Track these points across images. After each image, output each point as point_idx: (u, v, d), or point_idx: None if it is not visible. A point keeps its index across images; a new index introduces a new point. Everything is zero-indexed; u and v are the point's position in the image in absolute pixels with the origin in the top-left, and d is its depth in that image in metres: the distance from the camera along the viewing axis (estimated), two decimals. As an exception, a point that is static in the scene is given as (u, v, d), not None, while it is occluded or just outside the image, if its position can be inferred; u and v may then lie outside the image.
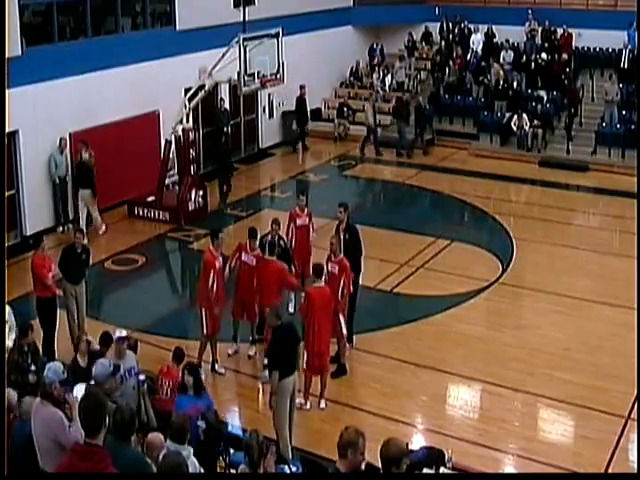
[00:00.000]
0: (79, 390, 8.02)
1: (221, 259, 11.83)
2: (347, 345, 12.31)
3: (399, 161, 23.24)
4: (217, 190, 19.66)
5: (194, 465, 6.95)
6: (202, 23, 20.21)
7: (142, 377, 9.19)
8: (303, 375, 10.87)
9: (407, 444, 5.94)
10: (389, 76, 26.38)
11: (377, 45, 27.41)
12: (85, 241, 12.67)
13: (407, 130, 23.66)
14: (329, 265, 11.76)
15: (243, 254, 12.16)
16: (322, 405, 11.12)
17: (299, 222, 13.64)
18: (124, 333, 9.40)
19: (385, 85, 26.29)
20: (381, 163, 23.28)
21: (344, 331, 11.78)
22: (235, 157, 22.73)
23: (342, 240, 12.34)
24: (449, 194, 20.39)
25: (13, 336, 10.22)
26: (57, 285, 12.13)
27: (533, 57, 25.08)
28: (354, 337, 12.61)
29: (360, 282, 12.77)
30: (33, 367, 9.51)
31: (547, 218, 18.84)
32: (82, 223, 17.07)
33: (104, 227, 17.63)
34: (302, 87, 24.01)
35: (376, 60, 27.05)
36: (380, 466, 5.77)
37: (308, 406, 11.02)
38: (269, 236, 12.48)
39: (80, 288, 12.47)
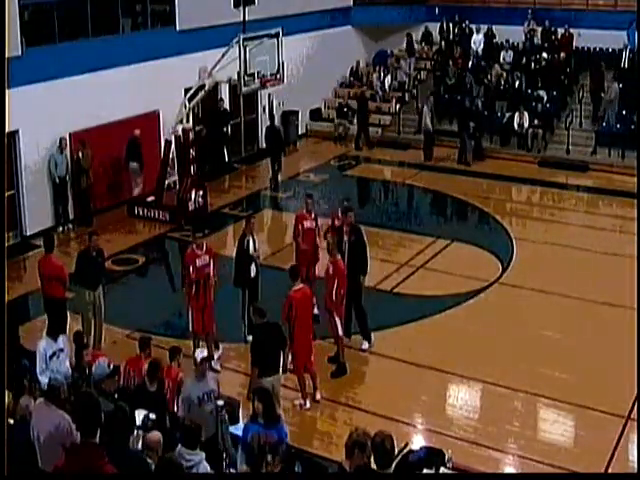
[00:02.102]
0: (137, 417, 7.78)
1: (207, 257, 11.85)
2: (366, 344, 12.54)
3: (399, 161, 23.22)
4: (270, 169, 20.86)
5: (206, 470, 6.94)
6: (202, 23, 20.21)
7: (221, 402, 8.62)
8: (296, 376, 10.97)
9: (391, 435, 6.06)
10: (389, 76, 26.36)
11: (388, 51, 27.43)
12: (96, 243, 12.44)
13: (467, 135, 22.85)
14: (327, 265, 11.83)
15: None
16: (317, 397, 11.21)
17: (306, 224, 13.58)
18: (205, 353, 8.84)
19: (385, 85, 26.27)
20: (381, 163, 23.28)
21: (340, 332, 11.80)
22: (235, 157, 22.80)
23: (347, 242, 12.40)
24: (449, 194, 20.40)
25: (67, 363, 9.82)
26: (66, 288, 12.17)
27: (533, 57, 25.09)
28: (372, 335, 12.73)
29: (365, 283, 12.84)
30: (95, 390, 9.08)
31: (547, 218, 18.85)
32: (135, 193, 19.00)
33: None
34: (365, 84, 24.01)
35: (389, 63, 27.02)
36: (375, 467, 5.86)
37: (308, 405, 11.02)
38: (246, 235, 12.60)
39: (98, 294, 12.29)
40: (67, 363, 9.86)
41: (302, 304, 10.85)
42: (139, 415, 7.91)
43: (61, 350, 9.79)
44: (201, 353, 8.74)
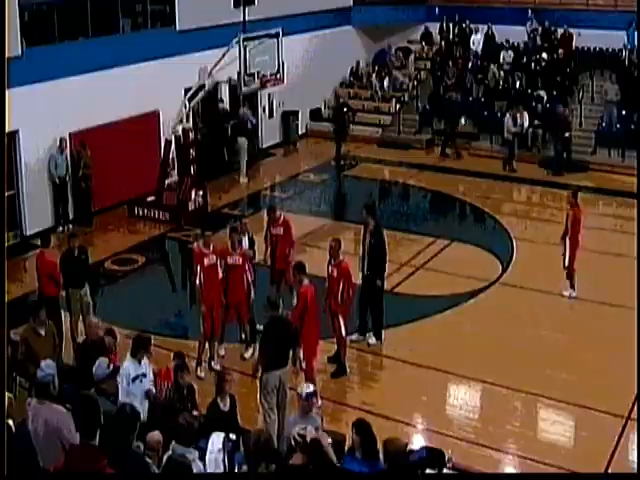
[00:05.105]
0: (215, 441, 7.52)
1: (214, 257, 11.83)
2: (374, 341, 12.66)
3: (399, 161, 23.21)
4: (335, 146, 22.78)
5: (199, 469, 6.95)
6: (202, 23, 20.21)
7: (329, 440, 7.75)
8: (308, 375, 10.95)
9: (406, 444, 6.01)
10: (387, 78, 26.31)
11: (389, 49, 27.45)
12: (77, 243, 12.55)
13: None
14: (329, 268, 11.82)
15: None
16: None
17: (273, 231, 13.34)
18: (311, 388, 8.26)
19: (384, 86, 26.25)
20: (381, 163, 23.27)
21: (343, 333, 11.82)
22: (235, 157, 22.76)
23: (368, 243, 12.48)
24: (449, 194, 20.39)
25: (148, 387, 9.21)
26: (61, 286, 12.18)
27: (533, 57, 25.09)
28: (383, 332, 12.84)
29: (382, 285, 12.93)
30: (196, 412, 8.75)
31: (547, 218, 18.83)
32: (243, 171, 21.14)
33: (246, 179, 21.02)
34: (448, 78, 24.31)
35: (390, 62, 26.99)
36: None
37: (320, 403, 10.92)
38: (240, 232, 12.68)
39: (84, 292, 12.39)
40: (148, 387, 9.27)
41: (314, 299, 10.91)
42: (218, 437, 7.60)
43: (144, 375, 9.24)
44: (307, 388, 8.28)
